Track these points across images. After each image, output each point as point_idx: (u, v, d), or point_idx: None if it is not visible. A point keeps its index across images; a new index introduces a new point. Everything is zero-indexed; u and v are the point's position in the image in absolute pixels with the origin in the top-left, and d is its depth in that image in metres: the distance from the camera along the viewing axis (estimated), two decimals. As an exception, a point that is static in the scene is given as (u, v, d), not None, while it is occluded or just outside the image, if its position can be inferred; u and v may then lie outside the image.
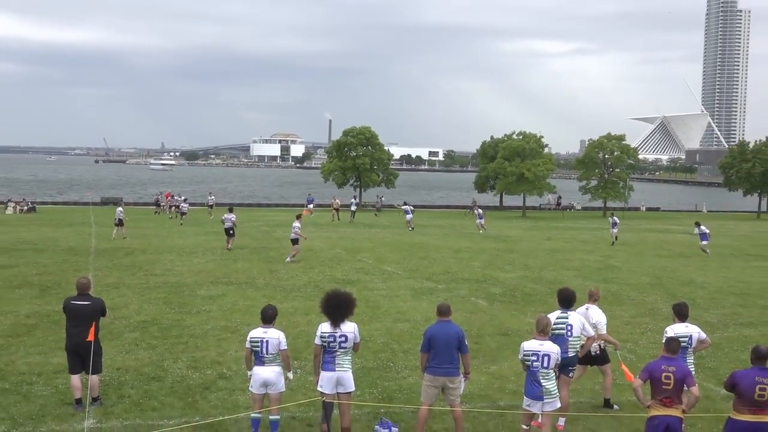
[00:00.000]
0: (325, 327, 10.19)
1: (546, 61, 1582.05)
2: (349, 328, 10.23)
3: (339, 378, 10.14)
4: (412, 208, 47.54)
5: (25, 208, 64.03)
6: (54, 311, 19.41)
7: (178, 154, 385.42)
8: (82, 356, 11.71)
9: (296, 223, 31.20)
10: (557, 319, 11.35)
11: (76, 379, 11.92)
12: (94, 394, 11.98)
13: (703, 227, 38.33)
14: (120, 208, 41.62)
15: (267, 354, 10.42)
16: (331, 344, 10.13)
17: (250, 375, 10.64)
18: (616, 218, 44.52)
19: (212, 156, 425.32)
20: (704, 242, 37.96)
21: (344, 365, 10.20)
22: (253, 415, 10.66)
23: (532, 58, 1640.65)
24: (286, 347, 10.60)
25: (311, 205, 68.37)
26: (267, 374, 10.43)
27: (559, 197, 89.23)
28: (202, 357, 15.19)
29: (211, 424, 11.15)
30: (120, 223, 40.01)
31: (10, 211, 62.15)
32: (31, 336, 16.74)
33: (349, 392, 10.30)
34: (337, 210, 59.33)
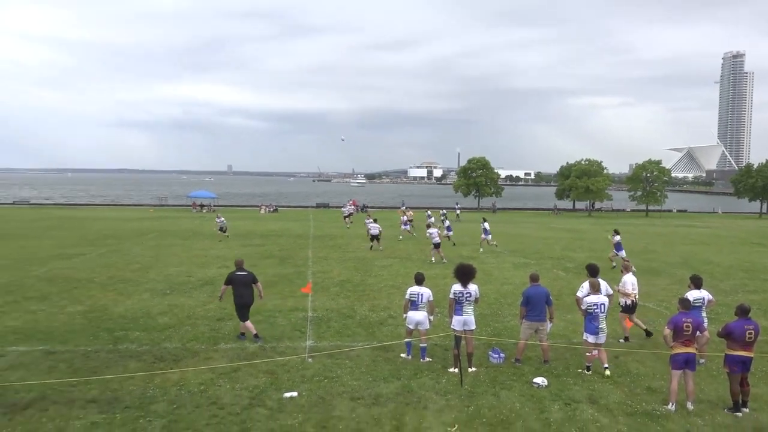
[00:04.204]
0: (457, 287, 10.11)
1: (601, 111, 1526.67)
2: (472, 287, 10.12)
3: (465, 320, 10.05)
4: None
5: (271, 209, 66.90)
6: (290, 273, 20.21)
7: (363, 175, 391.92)
8: (247, 308, 11.82)
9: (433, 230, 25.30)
10: None
11: (249, 323, 11.84)
12: (255, 332, 11.81)
13: (486, 229, 28.12)
14: (220, 218, 33.75)
15: (420, 303, 10.52)
16: (460, 298, 10.05)
17: (405, 317, 10.73)
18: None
19: (383, 177, 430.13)
20: (487, 236, 28.19)
21: (469, 312, 10.09)
22: (407, 340, 10.79)
23: (590, 109, 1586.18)
24: (432, 299, 10.64)
25: (404, 207, 67.31)
26: (419, 317, 10.52)
27: (592, 203, 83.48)
28: (378, 304, 15.40)
29: (384, 346, 11.30)
30: (222, 229, 32.73)
31: (262, 211, 64.92)
32: (274, 287, 17.45)
33: (472, 330, 10.19)
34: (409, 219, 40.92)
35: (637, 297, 12.24)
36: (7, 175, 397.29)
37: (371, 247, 27.68)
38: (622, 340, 12.05)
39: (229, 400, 8.69)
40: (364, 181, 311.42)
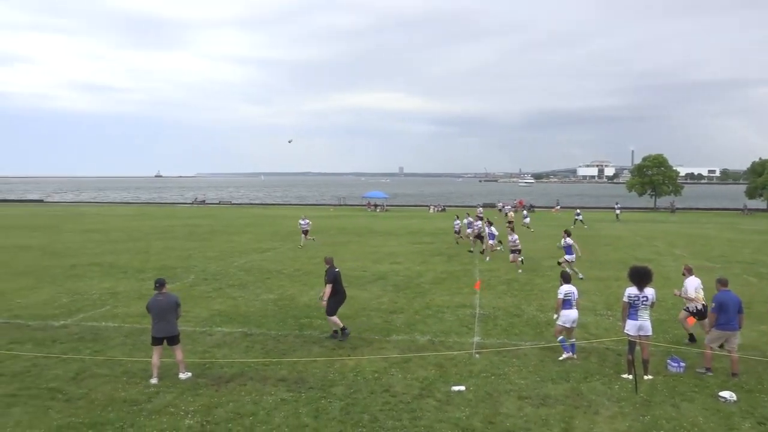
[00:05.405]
0: (632, 290, 9.35)
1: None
2: (649, 291, 9.31)
3: (641, 325, 9.28)
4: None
5: (439, 209, 67.80)
6: (457, 270, 20.23)
7: (530, 175, 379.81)
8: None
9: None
10: None
11: (336, 318, 11.64)
12: (342, 326, 11.63)
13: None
14: (304, 221, 29.39)
15: (574, 301, 10.38)
16: (635, 302, 9.29)
17: (556, 317, 10.57)
18: None
19: (551, 176, 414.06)
20: (491, 240, 23.55)
21: (644, 316, 9.31)
22: (561, 338, 10.42)
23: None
24: (578, 296, 10.56)
25: (558, 206, 64.35)
26: (575, 314, 10.41)
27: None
28: (546, 304, 14.82)
29: (552, 347, 10.84)
30: (305, 233, 28.98)
31: (431, 211, 66.02)
32: (442, 284, 17.60)
33: (648, 335, 9.37)
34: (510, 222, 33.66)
35: (702, 300, 11.07)
36: (214, 179, 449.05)
37: (482, 251, 24.66)
38: (686, 341, 11.24)
39: (401, 389, 8.90)
40: (532, 180, 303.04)
